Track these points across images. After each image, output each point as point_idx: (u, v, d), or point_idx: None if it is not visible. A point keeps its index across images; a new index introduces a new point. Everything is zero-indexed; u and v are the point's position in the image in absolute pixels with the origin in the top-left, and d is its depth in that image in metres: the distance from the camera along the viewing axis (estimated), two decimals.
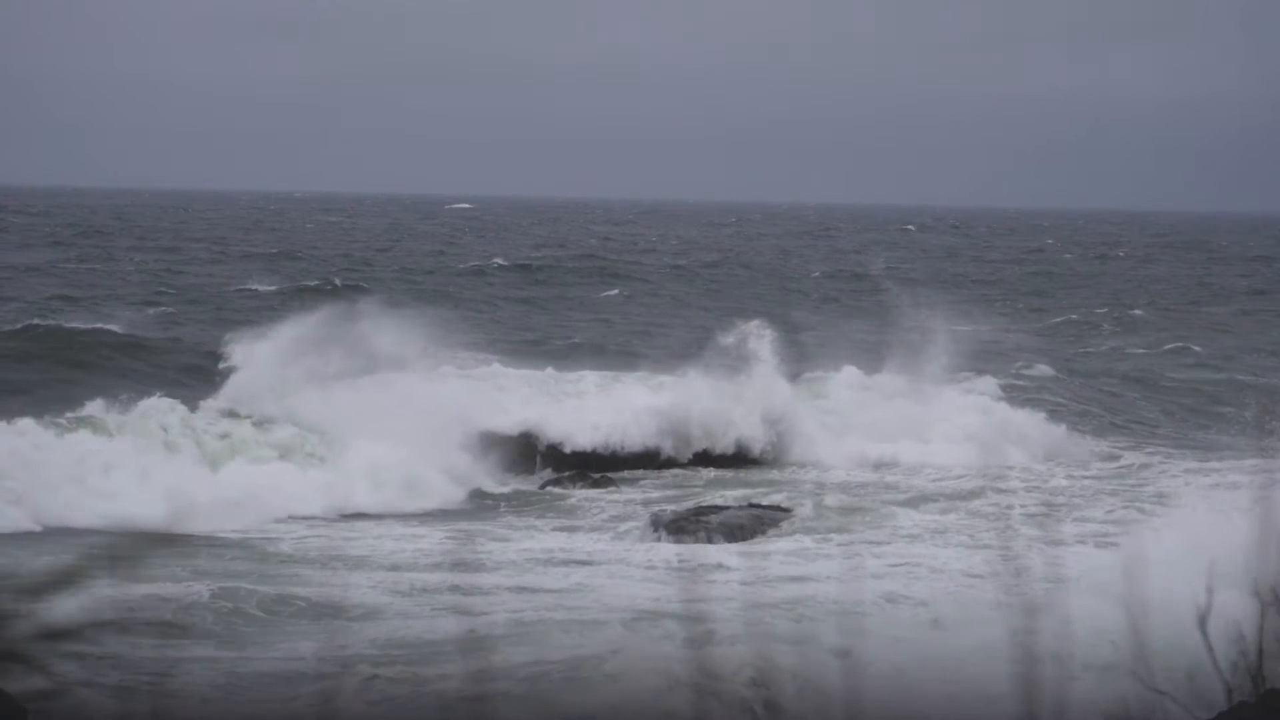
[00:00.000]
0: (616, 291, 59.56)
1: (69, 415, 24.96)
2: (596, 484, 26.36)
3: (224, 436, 25.81)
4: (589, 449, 28.48)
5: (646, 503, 24.52)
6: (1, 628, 2.83)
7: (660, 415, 29.23)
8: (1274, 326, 53.29)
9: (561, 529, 22.53)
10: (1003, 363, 38.02)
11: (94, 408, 25.43)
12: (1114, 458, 29.03)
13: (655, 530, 21.74)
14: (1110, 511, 22.88)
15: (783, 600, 16.38)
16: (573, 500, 25.24)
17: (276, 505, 23.07)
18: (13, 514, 21.71)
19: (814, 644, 11.50)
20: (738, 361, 30.99)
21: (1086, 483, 26.00)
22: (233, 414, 26.61)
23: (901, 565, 18.90)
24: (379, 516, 23.56)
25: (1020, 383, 35.54)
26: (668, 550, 20.54)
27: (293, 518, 22.87)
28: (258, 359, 27.97)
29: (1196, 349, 45.22)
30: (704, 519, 22.07)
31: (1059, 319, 54.37)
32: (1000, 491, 25.02)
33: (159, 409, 25.82)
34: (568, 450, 28.32)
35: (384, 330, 30.46)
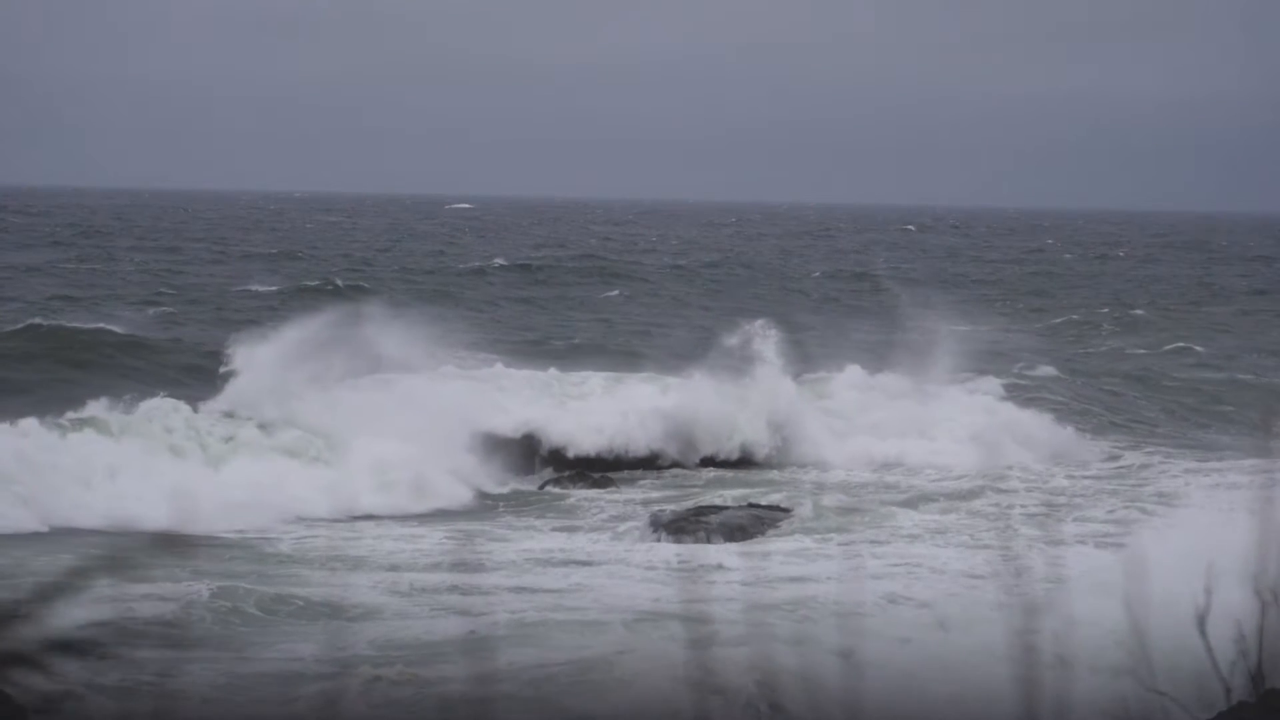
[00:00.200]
0: (617, 292, 59.54)
1: (74, 416, 24.96)
2: (596, 484, 26.34)
3: (229, 439, 25.79)
4: (592, 454, 28.27)
5: (646, 503, 24.51)
6: (3, 629, 2.83)
7: (665, 418, 28.99)
8: (1274, 326, 53.27)
9: (561, 529, 22.52)
10: (1004, 363, 38.00)
11: (98, 408, 25.43)
12: (1114, 457, 29.01)
13: (655, 530, 21.73)
14: (1111, 511, 22.87)
15: (785, 601, 16.36)
16: (572, 500, 25.24)
17: (282, 507, 23.07)
18: (20, 515, 21.73)
19: (820, 646, 11.47)
20: (742, 362, 30.82)
21: (1086, 482, 25.98)
22: (237, 416, 26.58)
23: (902, 565, 18.90)
24: (384, 518, 23.54)
25: (1022, 382, 35.51)
26: (667, 550, 20.53)
27: (298, 519, 22.86)
28: (261, 362, 27.94)
29: (1198, 349, 45.20)
30: (703, 519, 22.06)
31: (1060, 319, 54.34)
32: (1000, 491, 25.01)
33: (162, 410, 25.83)
34: (571, 455, 28.16)
35: (387, 332, 30.46)
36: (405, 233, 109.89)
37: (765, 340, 31.22)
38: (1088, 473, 27.17)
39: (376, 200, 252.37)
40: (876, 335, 42.81)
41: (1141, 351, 45.05)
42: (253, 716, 12.72)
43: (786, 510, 22.89)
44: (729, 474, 28.00)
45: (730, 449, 29.09)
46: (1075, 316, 54.99)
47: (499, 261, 69.84)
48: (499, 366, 32.03)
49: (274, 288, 52.88)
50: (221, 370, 28.15)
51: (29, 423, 24.07)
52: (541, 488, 26.51)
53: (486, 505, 25.02)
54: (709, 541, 21.07)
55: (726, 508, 23.02)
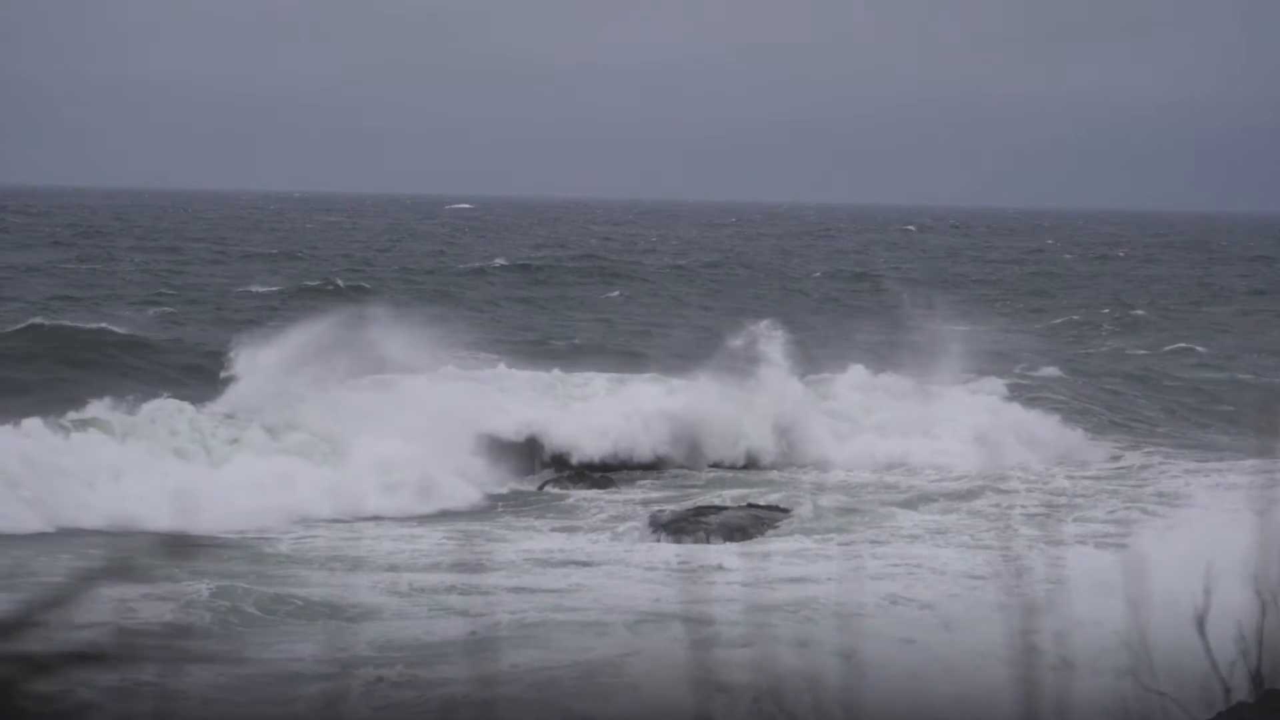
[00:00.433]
0: (617, 292, 59.53)
1: (77, 417, 24.94)
2: (595, 484, 26.32)
3: (233, 441, 25.76)
4: (597, 460, 28.01)
5: (645, 503, 24.48)
6: (12, 635, 2.83)
7: (670, 421, 28.76)
8: (1274, 326, 53.27)
9: (560, 530, 22.50)
10: (1005, 363, 37.96)
11: (102, 408, 25.43)
12: (1115, 457, 28.99)
13: (654, 531, 21.72)
14: (1112, 512, 22.85)
15: (787, 602, 16.34)
16: (571, 500, 25.22)
17: (287, 509, 23.07)
18: (26, 516, 21.75)
19: (824, 647, 11.46)
20: (747, 364, 30.62)
21: (1087, 483, 25.94)
22: (241, 417, 26.52)
23: (902, 566, 18.89)
24: (390, 519, 23.49)
25: (1025, 383, 35.49)
26: (667, 551, 20.52)
27: (304, 520, 22.84)
28: (263, 364, 27.92)
29: (1199, 349, 45.19)
30: (703, 519, 22.04)
31: (1060, 319, 54.33)
32: (1001, 492, 25.00)
33: (166, 410, 25.82)
34: (575, 461, 27.91)
35: (389, 334, 30.44)
36: (405, 233, 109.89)
37: (771, 341, 31.01)
38: (1088, 473, 27.14)
39: (376, 200, 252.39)
40: (877, 335, 42.80)
41: (1142, 352, 45.04)
42: (253, 717, 12.71)
43: (786, 510, 22.88)
44: (728, 474, 27.95)
45: (736, 455, 28.82)
46: (1076, 317, 54.98)
47: (499, 261, 69.83)
48: (502, 367, 31.90)
49: (274, 288, 52.88)
50: (223, 374, 28.12)
51: (33, 423, 24.05)
52: (541, 488, 26.48)
53: (485, 506, 25.00)
54: (709, 542, 21.05)
55: (726, 508, 23.01)
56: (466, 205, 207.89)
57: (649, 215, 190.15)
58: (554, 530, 22.44)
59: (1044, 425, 29.91)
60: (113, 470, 23.59)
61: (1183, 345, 46.03)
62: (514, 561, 19.67)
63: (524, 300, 55.27)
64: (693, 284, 65.37)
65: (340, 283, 54.50)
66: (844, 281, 70.21)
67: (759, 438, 29.00)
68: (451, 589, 17.83)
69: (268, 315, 41.33)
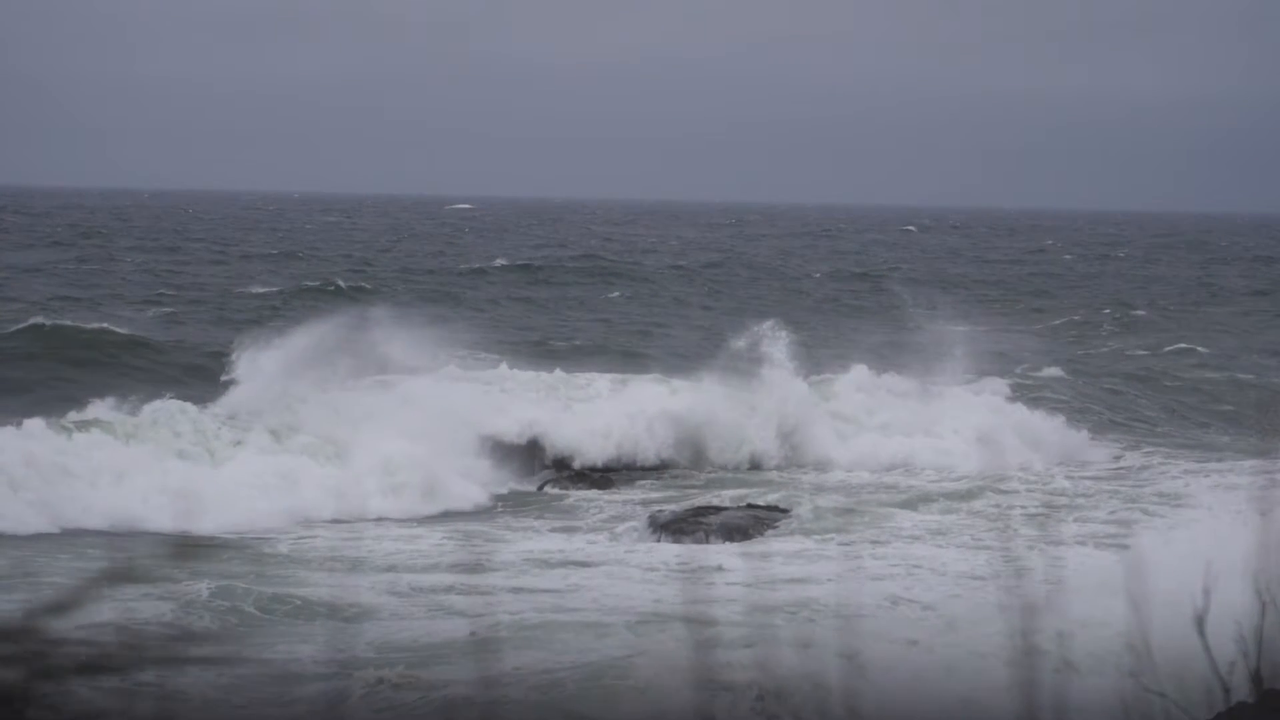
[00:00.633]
0: (618, 292, 59.51)
1: (80, 418, 24.94)
2: (594, 484, 26.31)
3: (237, 443, 25.74)
4: (600, 462, 27.87)
5: (644, 503, 24.46)
6: (3, 631, 2.84)
7: (674, 423, 28.64)
8: (1274, 326, 53.27)
9: (560, 530, 22.49)
10: (1006, 364, 37.96)
11: (104, 408, 25.43)
12: (1115, 457, 28.99)
13: (654, 531, 21.71)
14: (1112, 512, 22.85)
15: (787, 602, 16.33)
16: (570, 500, 25.21)
17: (291, 510, 23.06)
18: (30, 517, 21.76)
19: (827, 648, 11.45)
20: (751, 364, 30.53)
21: (1087, 483, 25.93)
22: (243, 418, 26.49)
23: (903, 566, 18.89)
24: (392, 520, 23.47)
25: (1027, 383, 35.49)
26: (667, 551, 20.51)
27: (307, 521, 22.83)
28: (266, 365, 27.91)
29: (1200, 349, 45.18)
30: (702, 520, 22.03)
31: (1060, 320, 54.32)
32: (1001, 492, 24.99)
33: (169, 411, 25.80)
34: (578, 464, 27.76)
35: (390, 334, 30.42)
36: (405, 233, 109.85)
37: (775, 342, 30.91)
38: (1088, 473, 27.13)
39: (376, 200, 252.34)
40: (879, 336, 42.80)
41: (1142, 352, 45.03)
42: (253, 718, 12.71)
43: (785, 511, 22.87)
44: (728, 474, 27.92)
45: (740, 458, 28.68)
46: (1076, 317, 54.97)
47: (500, 262, 69.81)
48: (503, 368, 31.81)
49: (275, 288, 52.85)
50: (225, 376, 28.11)
51: (35, 424, 24.04)
52: (540, 488, 26.45)
53: (485, 506, 24.99)
54: (708, 542, 21.04)
55: (725, 508, 23.00)
56: (466, 205, 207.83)
57: (649, 215, 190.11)
58: (553, 530, 22.44)
59: (1046, 426, 29.87)
60: (115, 471, 23.58)
61: (1183, 345, 46.02)
62: (513, 562, 19.66)
63: (525, 300, 55.26)
64: (693, 284, 65.34)
65: (341, 283, 54.49)
66: (844, 281, 70.19)
67: (763, 441, 28.87)
68: (451, 589, 17.83)
69: (269, 315, 41.34)
